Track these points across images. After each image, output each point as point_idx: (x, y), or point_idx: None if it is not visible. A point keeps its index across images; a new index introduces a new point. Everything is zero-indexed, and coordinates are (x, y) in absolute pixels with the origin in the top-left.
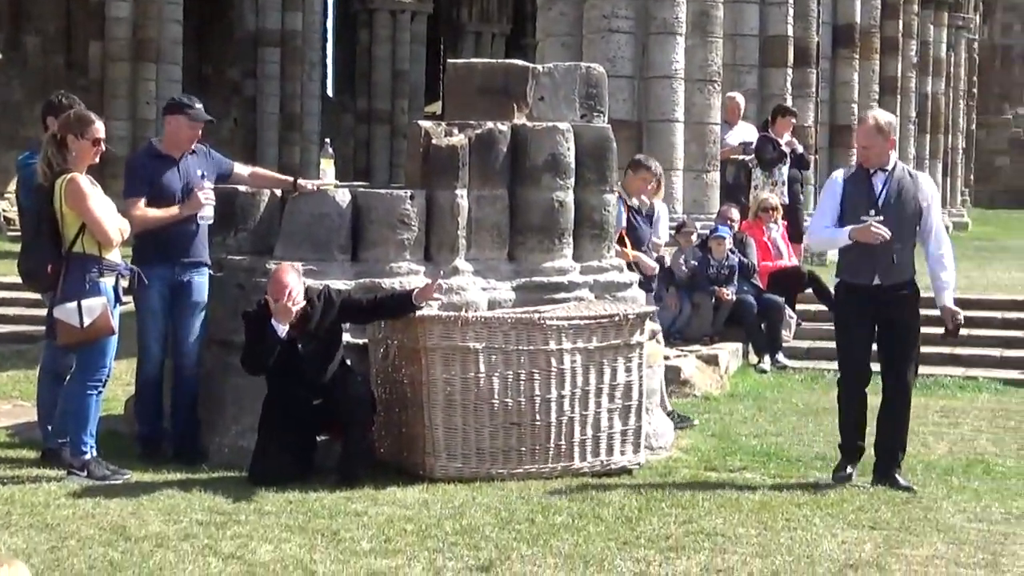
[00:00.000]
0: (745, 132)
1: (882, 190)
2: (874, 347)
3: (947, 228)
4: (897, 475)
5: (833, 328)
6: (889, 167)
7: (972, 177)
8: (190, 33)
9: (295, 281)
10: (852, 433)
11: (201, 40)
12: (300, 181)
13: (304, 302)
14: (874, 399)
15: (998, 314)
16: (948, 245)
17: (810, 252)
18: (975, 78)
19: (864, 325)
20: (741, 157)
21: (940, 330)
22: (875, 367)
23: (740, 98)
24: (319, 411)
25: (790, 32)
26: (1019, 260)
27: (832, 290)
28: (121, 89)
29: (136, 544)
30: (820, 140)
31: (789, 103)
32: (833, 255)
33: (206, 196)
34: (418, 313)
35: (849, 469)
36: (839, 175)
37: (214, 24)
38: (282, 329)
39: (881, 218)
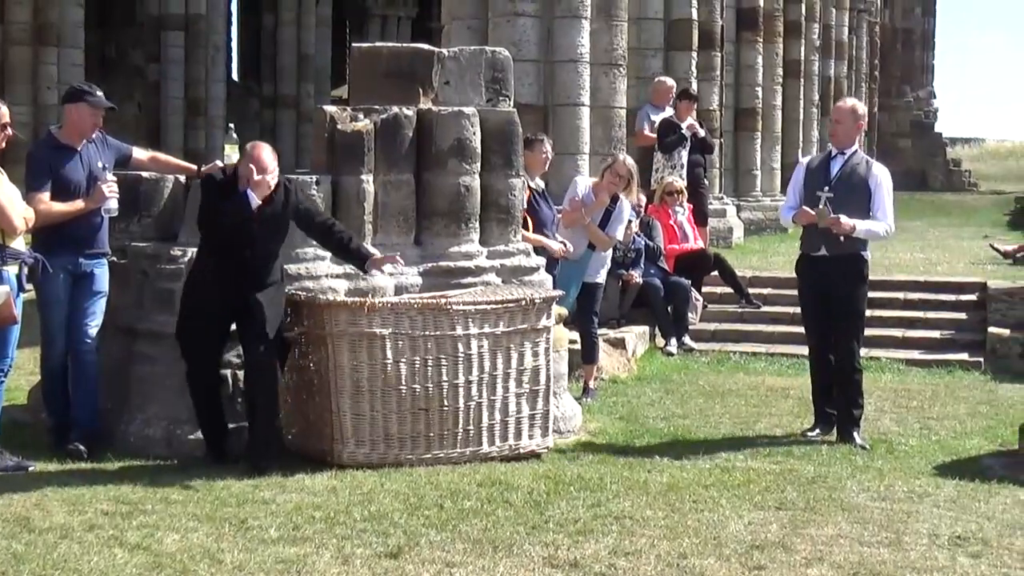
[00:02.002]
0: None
1: (837, 172)
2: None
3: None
4: (855, 434)
5: (739, 310)
6: (849, 152)
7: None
8: (92, 16)
9: (272, 162)
10: (819, 399)
11: (103, 24)
12: (204, 168)
13: (275, 183)
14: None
15: (900, 295)
16: (887, 226)
17: (715, 235)
18: (876, 61)
19: (817, 296)
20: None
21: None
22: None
23: (670, 82)
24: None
25: (694, 15)
26: (920, 241)
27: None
28: (22, 74)
29: (40, 536)
30: (725, 123)
31: (694, 87)
32: (739, 239)
33: (110, 189)
34: (322, 299)
35: (817, 431)
36: (805, 160)
37: (116, 7)
38: (255, 201)
39: (832, 194)
